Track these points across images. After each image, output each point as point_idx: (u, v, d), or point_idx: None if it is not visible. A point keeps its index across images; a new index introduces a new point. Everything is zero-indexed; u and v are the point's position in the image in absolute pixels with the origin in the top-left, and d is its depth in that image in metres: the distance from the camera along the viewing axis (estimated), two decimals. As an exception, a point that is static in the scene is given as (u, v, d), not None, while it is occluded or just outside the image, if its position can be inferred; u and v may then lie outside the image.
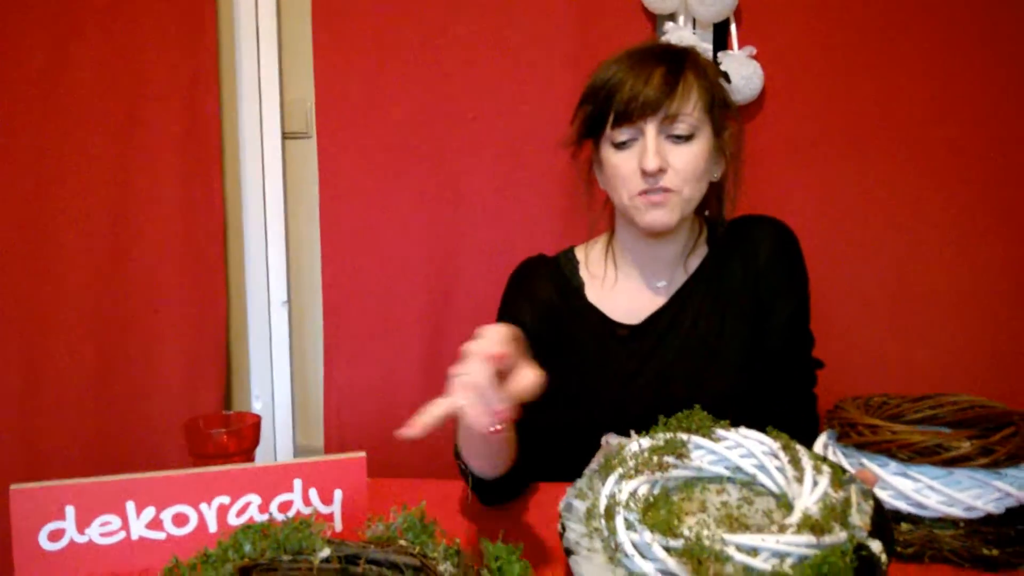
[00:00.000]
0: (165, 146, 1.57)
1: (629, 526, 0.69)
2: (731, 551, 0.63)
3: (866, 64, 1.45)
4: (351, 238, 1.58)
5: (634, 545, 0.67)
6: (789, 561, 0.63)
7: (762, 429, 0.82)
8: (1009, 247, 1.44)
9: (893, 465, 0.83)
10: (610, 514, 0.71)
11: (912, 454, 0.81)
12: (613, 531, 0.69)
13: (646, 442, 0.82)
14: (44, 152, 1.52)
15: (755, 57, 1.44)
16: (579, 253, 1.24)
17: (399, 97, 1.55)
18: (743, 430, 0.81)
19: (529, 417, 0.94)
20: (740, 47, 1.45)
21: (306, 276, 1.71)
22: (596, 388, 1.15)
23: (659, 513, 0.72)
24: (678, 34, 1.42)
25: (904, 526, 0.83)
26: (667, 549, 0.65)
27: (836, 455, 0.90)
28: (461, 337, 1.53)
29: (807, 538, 0.63)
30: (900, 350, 1.47)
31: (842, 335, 1.45)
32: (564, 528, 0.74)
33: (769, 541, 0.63)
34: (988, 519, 0.81)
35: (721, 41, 1.49)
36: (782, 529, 0.65)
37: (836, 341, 1.42)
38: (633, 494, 0.73)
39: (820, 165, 1.47)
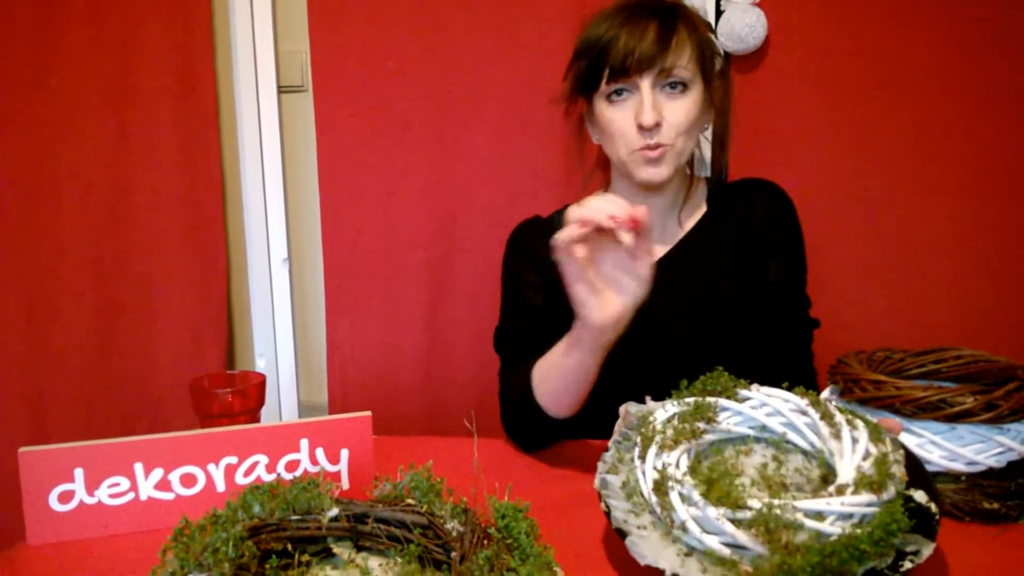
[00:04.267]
0: (160, 103, 1.54)
1: (686, 500, 0.67)
2: (800, 518, 0.62)
3: (870, 12, 1.42)
4: (350, 194, 1.56)
5: (695, 520, 0.66)
6: (852, 521, 0.63)
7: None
8: (1012, 199, 1.43)
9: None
10: (661, 489, 0.70)
11: (916, 410, 0.82)
12: (669, 507, 0.68)
13: (672, 408, 0.81)
14: (38, 111, 1.49)
15: (758, 5, 1.41)
16: None
17: (395, 48, 1.52)
18: (766, 389, 0.81)
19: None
20: (744, -5, 1.42)
21: (306, 233, 1.70)
22: None
23: (721, 486, 0.69)
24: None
25: (906, 480, 0.84)
26: (735, 522, 0.64)
27: (839, 410, 0.91)
28: (462, 291, 1.54)
29: (868, 497, 0.64)
30: (902, 304, 1.47)
31: (843, 289, 1.45)
32: (608, 508, 0.73)
33: (834, 504, 0.63)
34: (989, 473, 0.82)
35: (725, -11, 1.46)
36: (840, 490, 0.65)
37: (837, 295, 1.43)
38: (691, 468, 0.72)
39: (823, 114, 1.45)
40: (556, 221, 1.22)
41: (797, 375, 1.13)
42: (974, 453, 0.81)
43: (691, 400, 0.80)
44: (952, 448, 0.81)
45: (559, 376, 1.00)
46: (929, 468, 0.82)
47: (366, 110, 1.54)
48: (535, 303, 1.19)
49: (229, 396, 0.97)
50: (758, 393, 0.80)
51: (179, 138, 1.56)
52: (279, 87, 1.63)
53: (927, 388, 0.82)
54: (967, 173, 1.43)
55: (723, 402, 0.80)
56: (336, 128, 1.55)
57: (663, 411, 0.81)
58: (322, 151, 1.56)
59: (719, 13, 1.43)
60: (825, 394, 0.96)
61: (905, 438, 0.83)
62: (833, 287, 1.42)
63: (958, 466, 0.81)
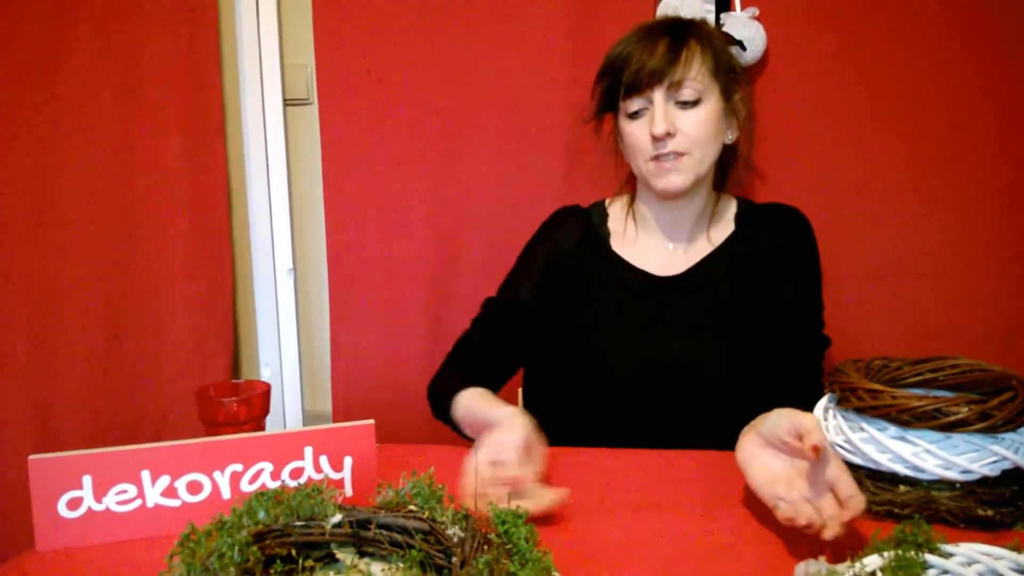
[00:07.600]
0: (167, 115, 1.56)
1: None
2: None
3: (869, 25, 1.43)
4: (355, 204, 1.58)
5: None
6: None
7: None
8: (1011, 208, 1.43)
9: (892, 429, 0.84)
10: None
11: (911, 418, 0.82)
12: None
13: (874, 561, 0.65)
14: (45, 123, 1.51)
15: (757, 18, 1.43)
16: (608, 206, 1.30)
17: (399, 61, 1.54)
18: (972, 545, 0.67)
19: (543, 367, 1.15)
20: (743, 8, 1.44)
21: (311, 243, 1.71)
22: (609, 334, 1.20)
23: None
24: (681, -3, 1.40)
25: (902, 488, 0.84)
26: None
27: (836, 419, 0.92)
28: (466, 302, 1.56)
29: None
30: (902, 311, 1.47)
31: (843, 296, 1.45)
32: None
33: None
34: (984, 481, 0.83)
35: (724, 3, 1.47)
36: None
37: (838, 305, 1.43)
38: None
39: (821, 127, 1.46)
40: (593, 212, 1.28)
41: (805, 390, 1.16)
42: (969, 462, 0.82)
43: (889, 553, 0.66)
44: (947, 457, 0.82)
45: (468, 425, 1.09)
46: (924, 476, 0.84)
47: (371, 123, 1.56)
48: (522, 295, 1.24)
49: (234, 405, 0.98)
50: (964, 547, 0.66)
51: (185, 149, 1.58)
52: (285, 100, 1.65)
53: (923, 398, 0.83)
54: (966, 182, 1.44)
55: (932, 559, 0.66)
56: (341, 140, 1.57)
57: (861, 567, 0.65)
58: (327, 163, 1.58)
59: (718, 26, 1.45)
60: (823, 402, 0.97)
61: (901, 447, 0.84)
62: (833, 294, 1.43)
63: (953, 474, 0.82)
